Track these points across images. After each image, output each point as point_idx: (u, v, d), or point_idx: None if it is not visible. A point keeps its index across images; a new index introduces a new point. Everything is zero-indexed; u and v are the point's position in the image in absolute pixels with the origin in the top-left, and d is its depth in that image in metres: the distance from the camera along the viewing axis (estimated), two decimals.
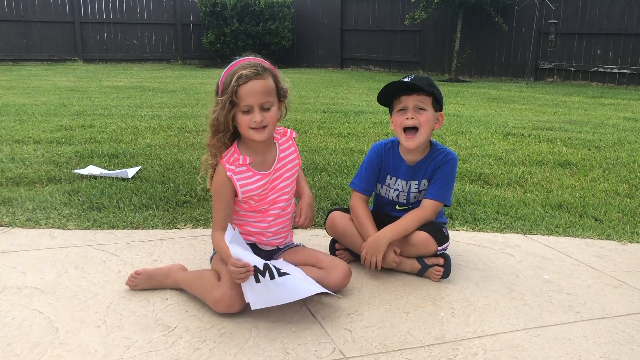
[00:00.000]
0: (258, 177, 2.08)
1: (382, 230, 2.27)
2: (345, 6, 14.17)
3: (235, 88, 1.95)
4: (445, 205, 2.36)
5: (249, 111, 1.98)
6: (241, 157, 2.06)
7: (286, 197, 2.17)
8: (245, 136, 2.06)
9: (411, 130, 2.25)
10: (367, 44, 13.99)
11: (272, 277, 1.87)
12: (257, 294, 1.88)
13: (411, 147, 2.27)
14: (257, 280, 1.87)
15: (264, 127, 2.01)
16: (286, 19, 13.91)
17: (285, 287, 1.88)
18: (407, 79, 2.23)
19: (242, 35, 13.29)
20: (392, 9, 13.26)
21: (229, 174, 2.04)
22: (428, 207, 2.30)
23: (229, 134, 2.06)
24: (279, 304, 1.90)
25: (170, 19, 14.49)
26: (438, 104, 2.28)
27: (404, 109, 2.25)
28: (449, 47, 12.18)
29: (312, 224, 2.28)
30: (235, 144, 2.11)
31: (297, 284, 1.91)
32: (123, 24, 14.07)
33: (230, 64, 2.04)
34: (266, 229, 2.17)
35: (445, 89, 9.60)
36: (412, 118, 2.22)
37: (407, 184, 2.36)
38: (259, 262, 1.89)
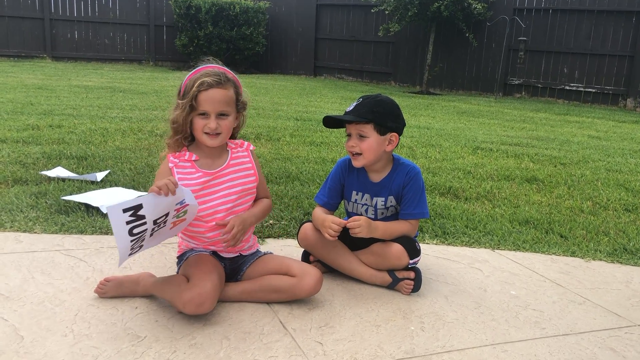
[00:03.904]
0: (200, 174, 2.12)
1: (377, 221, 2.33)
2: (320, 15, 14.22)
3: (196, 94, 2.04)
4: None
5: (205, 117, 2.06)
6: (187, 153, 2.13)
7: (226, 207, 2.13)
8: (199, 140, 2.13)
9: (356, 154, 2.32)
10: (341, 53, 14.06)
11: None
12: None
13: (357, 166, 2.36)
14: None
15: (218, 134, 2.09)
16: (261, 25, 13.87)
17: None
18: (353, 105, 2.28)
19: (215, 39, 13.20)
20: (367, 20, 13.36)
21: (170, 165, 2.10)
22: (412, 224, 2.37)
23: (187, 136, 2.13)
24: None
25: (143, 20, 14.28)
26: (385, 128, 2.27)
27: (350, 134, 2.32)
28: (421, 59, 12.34)
29: (236, 243, 2.11)
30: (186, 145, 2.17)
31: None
32: (95, 22, 13.79)
33: (195, 69, 2.13)
34: (203, 234, 2.16)
35: (416, 101, 9.73)
36: (354, 146, 2.30)
37: (372, 199, 2.39)
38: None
